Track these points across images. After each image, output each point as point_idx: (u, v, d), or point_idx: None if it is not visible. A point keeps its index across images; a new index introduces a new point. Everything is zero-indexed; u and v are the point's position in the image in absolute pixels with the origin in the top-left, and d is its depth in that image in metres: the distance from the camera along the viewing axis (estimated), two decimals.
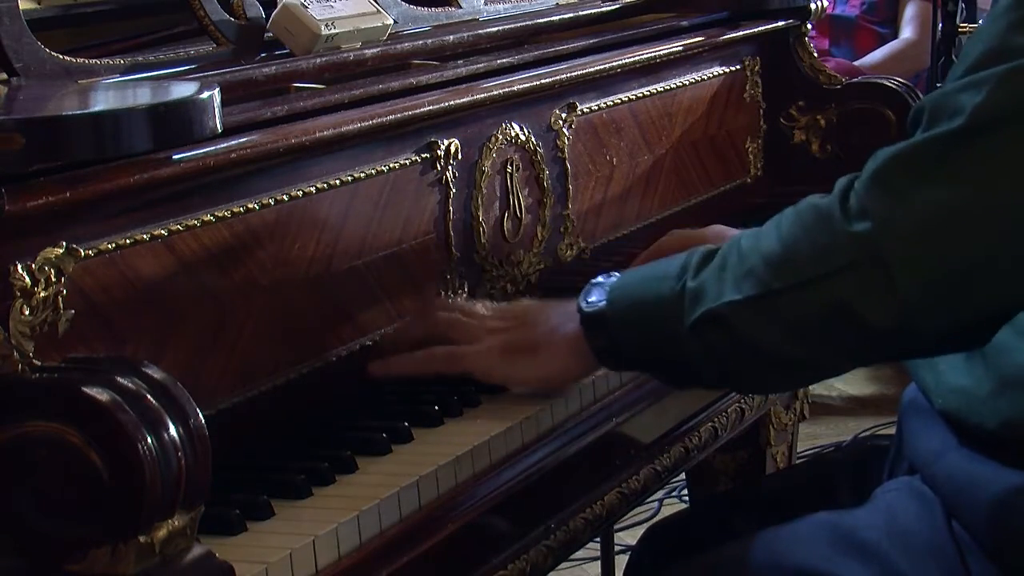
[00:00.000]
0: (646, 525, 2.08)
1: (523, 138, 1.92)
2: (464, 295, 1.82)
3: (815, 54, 2.54)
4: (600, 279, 1.59)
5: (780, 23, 2.48)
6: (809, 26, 2.54)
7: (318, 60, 1.73)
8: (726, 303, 1.45)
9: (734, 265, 1.47)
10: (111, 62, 1.60)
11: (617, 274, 1.60)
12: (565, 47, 2.07)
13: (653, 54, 2.19)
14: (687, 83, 2.30)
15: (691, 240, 1.77)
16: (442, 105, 1.76)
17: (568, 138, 2.01)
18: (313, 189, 1.60)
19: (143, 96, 1.39)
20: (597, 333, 1.57)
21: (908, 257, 1.38)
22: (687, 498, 3.25)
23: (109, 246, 1.36)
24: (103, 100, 1.43)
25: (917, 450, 1.65)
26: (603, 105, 2.09)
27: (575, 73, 2.01)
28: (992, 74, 1.38)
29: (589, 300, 1.58)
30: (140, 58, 1.65)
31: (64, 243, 1.30)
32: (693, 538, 1.83)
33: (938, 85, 3.67)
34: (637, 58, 2.15)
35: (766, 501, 1.87)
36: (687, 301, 1.48)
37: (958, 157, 1.39)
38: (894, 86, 2.49)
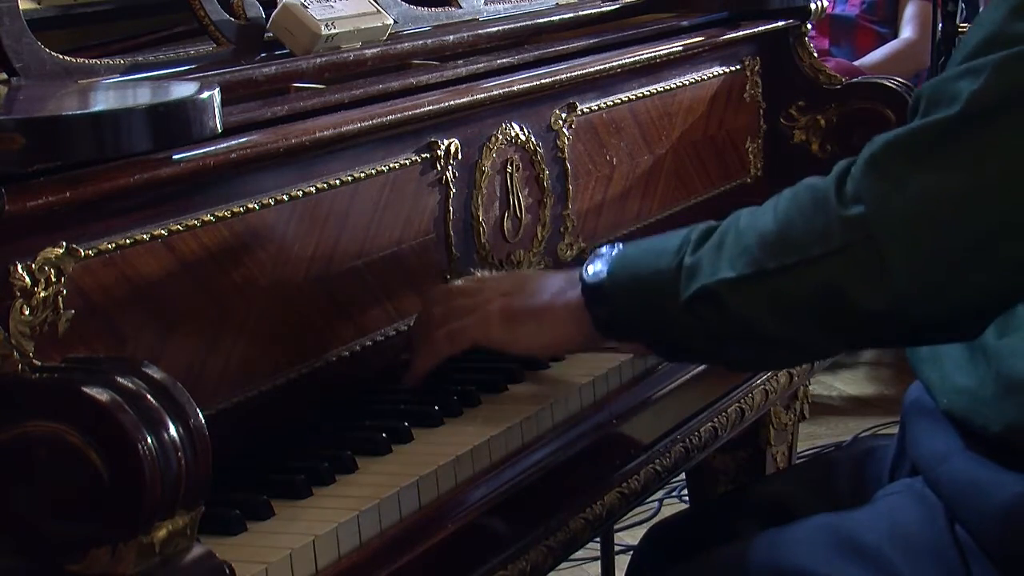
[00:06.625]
0: (646, 525, 2.08)
1: (523, 138, 1.92)
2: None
3: (815, 54, 2.54)
4: (603, 249, 1.59)
5: (780, 23, 2.48)
6: (809, 26, 2.54)
7: (318, 60, 1.73)
8: (720, 280, 1.46)
9: (731, 242, 1.48)
10: (111, 62, 1.60)
11: (621, 245, 1.60)
12: (565, 47, 2.07)
13: (653, 54, 2.19)
14: (687, 83, 2.30)
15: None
16: (442, 105, 1.76)
17: (568, 138, 2.01)
18: (313, 189, 1.60)
19: (143, 96, 1.39)
20: (598, 303, 1.57)
21: (901, 242, 1.38)
22: (687, 498, 3.24)
23: (109, 246, 1.36)
24: (103, 100, 1.43)
25: (921, 452, 1.65)
26: (603, 105, 2.09)
27: (575, 73, 2.01)
28: (989, 61, 1.38)
29: (591, 270, 1.58)
30: (140, 58, 1.65)
31: (64, 243, 1.30)
32: (694, 539, 1.83)
33: None
34: (637, 58, 2.15)
35: (766, 502, 1.87)
36: (683, 276, 1.49)
37: (954, 143, 1.39)
38: (894, 86, 2.49)
